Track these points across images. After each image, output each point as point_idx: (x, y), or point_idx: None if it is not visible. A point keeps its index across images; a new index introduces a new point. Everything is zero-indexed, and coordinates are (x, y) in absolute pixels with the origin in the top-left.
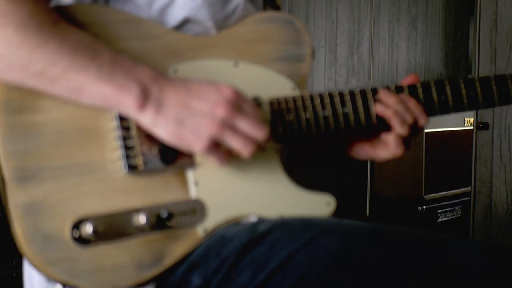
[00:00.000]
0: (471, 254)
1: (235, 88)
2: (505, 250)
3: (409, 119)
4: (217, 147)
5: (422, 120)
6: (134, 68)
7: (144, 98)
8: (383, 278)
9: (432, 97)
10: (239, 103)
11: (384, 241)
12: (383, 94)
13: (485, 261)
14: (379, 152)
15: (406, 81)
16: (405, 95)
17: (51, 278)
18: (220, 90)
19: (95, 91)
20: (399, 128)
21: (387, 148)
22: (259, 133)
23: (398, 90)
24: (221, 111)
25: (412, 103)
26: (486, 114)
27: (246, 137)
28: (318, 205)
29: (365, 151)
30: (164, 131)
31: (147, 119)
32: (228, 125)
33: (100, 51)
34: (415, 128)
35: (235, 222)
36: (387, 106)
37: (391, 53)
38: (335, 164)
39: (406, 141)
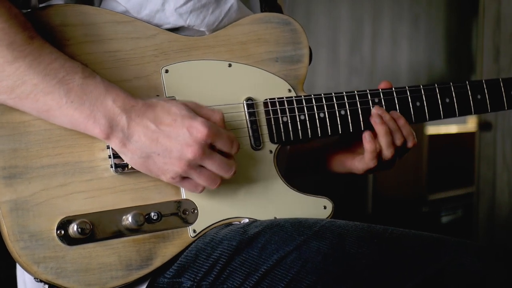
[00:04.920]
0: (466, 255)
1: (209, 127)
2: (500, 251)
3: (398, 141)
4: (184, 180)
5: (410, 143)
6: (105, 96)
7: (110, 129)
8: (376, 281)
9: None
10: (211, 142)
11: (377, 242)
12: (376, 110)
13: (480, 262)
14: (355, 163)
15: (380, 87)
16: (396, 113)
17: (36, 277)
18: (192, 130)
19: (62, 115)
20: (385, 150)
21: (362, 159)
22: (225, 172)
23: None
24: (189, 154)
25: (402, 121)
26: (489, 114)
27: (211, 175)
28: (315, 208)
29: (344, 163)
30: (130, 161)
31: (114, 146)
32: (194, 166)
33: (71, 74)
34: (402, 149)
35: (226, 224)
36: (380, 124)
37: (393, 52)
38: (311, 177)
39: (389, 161)
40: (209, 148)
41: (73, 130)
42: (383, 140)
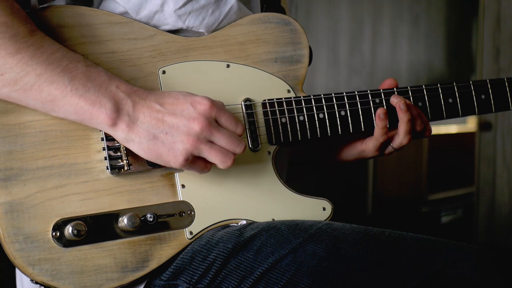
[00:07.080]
0: (463, 258)
1: (211, 101)
2: (497, 254)
3: (419, 127)
4: (195, 160)
5: (427, 132)
6: (108, 83)
7: (117, 113)
8: (372, 284)
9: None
10: (215, 117)
11: (374, 246)
12: (397, 98)
13: (476, 265)
14: (366, 141)
15: (384, 85)
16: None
17: (32, 279)
18: (195, 104)
19: (67, 104)
20: (403, 138)
21: (372, 138)
22: (236, 147)
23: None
24: (196, 126)
25: (418, 110)
26: (489, 114)
27: (223, 151)
28: (313, 210)
29: (355, 146)
30: (138, 147)
31: (120, 135)
32: (204, 140)
33: (74, 63)
34: (417, 136)
35: (223, 226)
36: (405, 111)
37: (393, 52)
38: (321, 170)
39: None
40: (215, 121)
41: (69, 132)
42: (402, 127)
